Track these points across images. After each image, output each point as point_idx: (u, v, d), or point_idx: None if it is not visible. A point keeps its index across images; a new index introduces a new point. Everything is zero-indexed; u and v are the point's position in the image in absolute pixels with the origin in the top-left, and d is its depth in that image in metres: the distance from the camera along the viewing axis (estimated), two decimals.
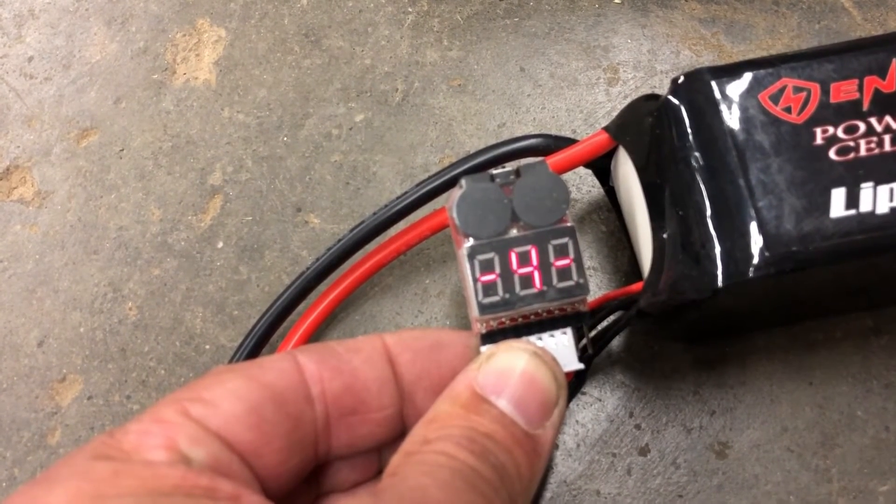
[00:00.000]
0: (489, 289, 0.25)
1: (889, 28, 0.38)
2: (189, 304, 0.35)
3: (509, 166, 0.27)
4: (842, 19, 0.38)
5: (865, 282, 0.29)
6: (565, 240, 0.25)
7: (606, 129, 0.30)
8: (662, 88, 0.36)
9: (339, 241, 0.32)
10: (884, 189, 0.25)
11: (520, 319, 0.25)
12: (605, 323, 0.30)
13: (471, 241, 0.25)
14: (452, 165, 0.31)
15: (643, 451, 0.32)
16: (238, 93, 0.38)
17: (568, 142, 0.31)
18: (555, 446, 0.32)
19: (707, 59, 0.38)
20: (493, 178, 0.25)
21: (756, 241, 0.25)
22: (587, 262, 0.35)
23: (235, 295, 0.35)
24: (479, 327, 0.25)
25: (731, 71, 0.27)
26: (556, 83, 0.38)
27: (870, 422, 0.32)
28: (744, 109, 0.26)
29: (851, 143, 0.26)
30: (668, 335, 0.33)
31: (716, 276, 0.25)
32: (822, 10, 0.39)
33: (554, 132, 0.37)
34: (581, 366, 0.25)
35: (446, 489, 0.19)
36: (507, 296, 0.25)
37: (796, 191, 0.25)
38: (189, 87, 0.39)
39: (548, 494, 0.32)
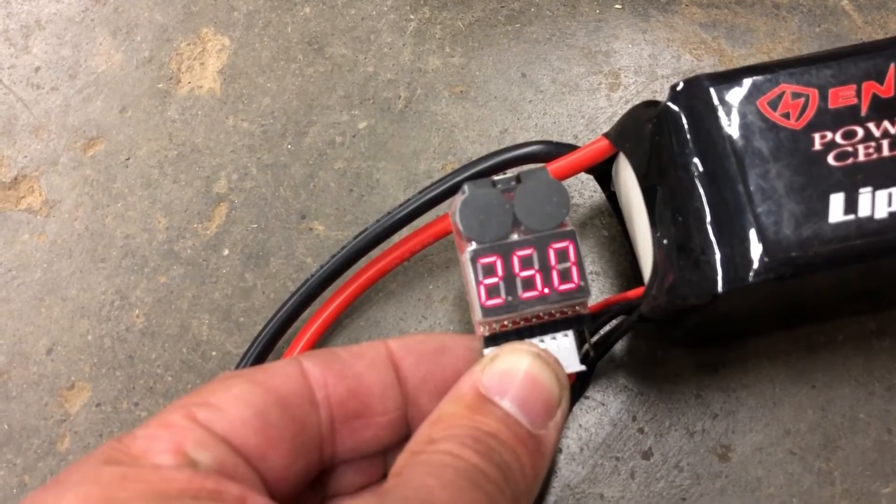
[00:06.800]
0: (492, 292, 0.25)
1: (890, 31, 0.38)
2: (195, 312, 0.36)
3: (510, 173, 0.27)
4: (842, 22, 0.39)
5: (866, 285, 0.29)
6: (566, 243, 0.25)
7: (607, 135, 0.30)
8: (664, 93, 0.37)
9: (344, 247, 0.32)
10: (882, 194, 0.25)
11: (522, 322, 0.26)
12: (607, 327, 0.30)
13: (473, 246, 0.25)
14: (454, 172, 0.31)
15: (646, 455, 0.32)
16: (242, 101, 0.39)
17: (569, 148, 0.31)
18: (558, 449, 0.32)
19: (708, 64, 0.38)
20: (494, 184, 0.26)
21: (755, 247, 0.25)
22: (589, 267, 0.35)
23: (241, 302, 0.36)
24: (483, 330, 0.25)
25: (729, 77, 0.27)
26: (557, 89, 0.38)
27: (872, 424, 0.32)
28: (742, 115, 0.26)
29: (850, 149, 0.26)
30: (670, 339, 0.33)
31: (716, 281, 0.25)
32: (822, 14, 0.39)
33: (556, 138, 0.37)
34: (582, 367, 0.26)
35: (451, 489, 0.20)
36: (510, 299, 0.25)
37: (795, 196, 0.25)
38: (194, 95, 0.39)
39: (552, 498, 0.32)
